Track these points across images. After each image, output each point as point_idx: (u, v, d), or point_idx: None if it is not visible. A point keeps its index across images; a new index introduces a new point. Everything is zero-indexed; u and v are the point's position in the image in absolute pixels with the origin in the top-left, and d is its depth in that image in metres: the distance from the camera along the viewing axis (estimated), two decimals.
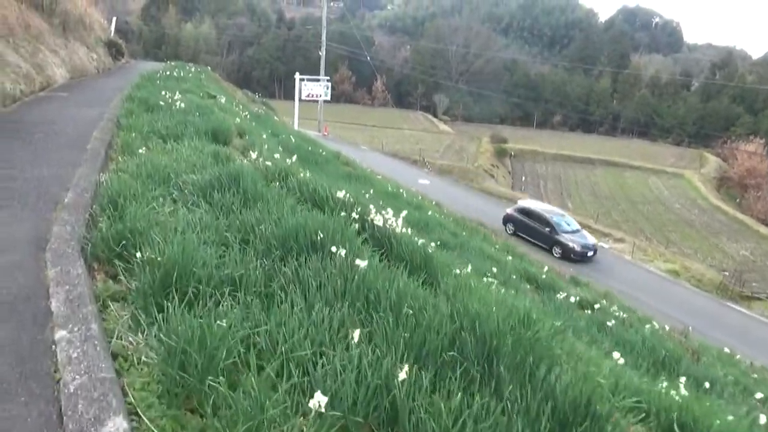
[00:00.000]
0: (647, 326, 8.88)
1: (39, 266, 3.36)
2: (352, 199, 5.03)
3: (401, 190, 14.37)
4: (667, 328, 9.28)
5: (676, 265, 24.23)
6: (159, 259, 3.11)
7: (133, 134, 7.31)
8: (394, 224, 4.71)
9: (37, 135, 7.32)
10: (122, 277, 3.48)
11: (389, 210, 4.84)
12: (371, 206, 4.80)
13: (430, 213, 11.61)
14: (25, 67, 11.76)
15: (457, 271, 4.51)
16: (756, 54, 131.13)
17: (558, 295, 7.15)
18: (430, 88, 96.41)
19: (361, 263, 3.26)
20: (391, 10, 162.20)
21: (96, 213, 4.53)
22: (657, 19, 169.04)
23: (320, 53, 39.95)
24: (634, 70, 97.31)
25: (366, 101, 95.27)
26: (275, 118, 24.40)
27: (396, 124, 67.66)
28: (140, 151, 6.01)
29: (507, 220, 24.45)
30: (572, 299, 7.08)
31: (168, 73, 17.19)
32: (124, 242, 3.67)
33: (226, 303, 3.02)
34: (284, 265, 3.51)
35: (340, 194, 4.91)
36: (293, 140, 16.01)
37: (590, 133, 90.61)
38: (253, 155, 6.54)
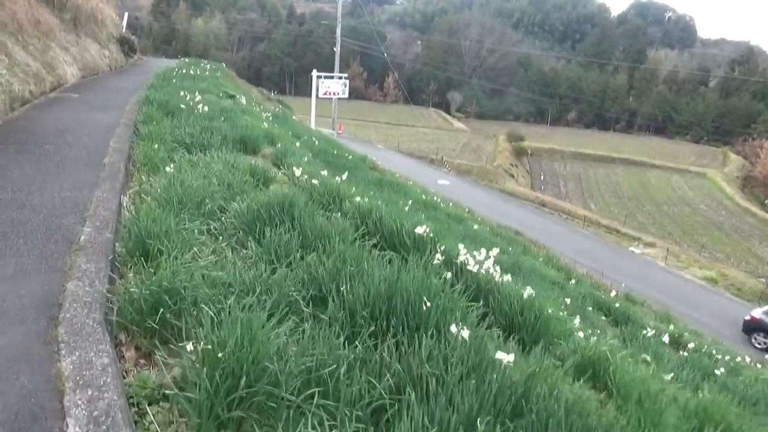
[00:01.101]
0: (726, 357, 7.90)
1: (49, 352, 2.45)
2: (431, 234, 4.08)
3: (437, 198, 13.41)
4: (748, 359, 8.31)
5: (713, 272, 23.08)
6: (220, 354, 2.19)
7: (155, 145, 6.40)
8: (492, 270, 3.77)
9: (48, 146, 6.43)
10: (160, 362, 2.58)
11: (482, 250, 3.89)
12: (461, 246, 3.85)
13: (476, 227, 10.64)
14: (34, 65, 10.91)
15: (581, 335, 3.56)
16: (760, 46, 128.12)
17: (644, 332, 6.18)
18: (442, 85, 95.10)
19: (504, 357, 2.31)
20: (400, 5, 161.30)
21: (120, 256, 3.63)
22: (670, 14, 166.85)
23: (335, 49, 38.87)
24: (652, 65, 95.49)
25: (378, 97, 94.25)
26: (294, 117, 23.48)
27: (409, 122, 66.55)
28: (167, 169, 5.09)
29: (753, 327, 17.29)
30: (665, 337, 6.11)
31: (184, 71, 16.32)
32: (161, 309, 2.76)
33: (317, 418, 2.11)
34: (381, 348, 2.58)
35: (420, 230, 3.96)
36: (316, 143, 15.11)
37: (606, 131, 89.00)
38: (297, 172, 5.61)
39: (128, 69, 20.08)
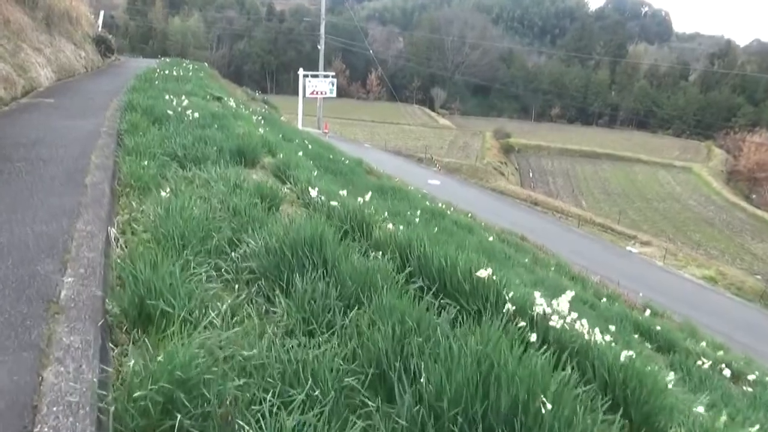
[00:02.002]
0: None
1: None
2: (494, 276, 3.37)
3: (440, 204, 12.70)
4: None
5: (711, 271, 22.77)
6: None
7: (145, 161, 5.59)
8: (580, 325, 3.08)
9: (19, 163, 5.59)
10: None
11: (561, 299, 3.20)
12: (536, 294, 3.15)
13: (491, 239, 9.95)
14: (4, 68, 9.98)
15: (700, 410, 2.88)
16: (742, 43, 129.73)
17: (699, 363, 5.56)
18: (426, 81, 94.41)
19: None
20: (380, 0, 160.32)
21: (113, 317, 2.86)
22: (646, 9, 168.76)
23: (319, 47, 38.01)
24: (633, 59, 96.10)
25: (361, 95, 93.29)
26: (282, 118, 22.60)
27: (394, 119, 65.80)
28: (162, 194, 4.32)
29: None
30: (725, 370, 5.49)
31: (167, 72, 15.40)
32: (177, 414, 2.02)
33: None
34: None
35: (483, 273, 3.25)
36: (309, 146, 14.34)
37: (589, 125, 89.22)
38: (313, 192, 4.87)
39: (106, 70, 19.05)
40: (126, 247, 3.96)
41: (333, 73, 36.98)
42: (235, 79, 70.87)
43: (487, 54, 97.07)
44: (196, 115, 8.31)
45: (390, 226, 4.26)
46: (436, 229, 8.27)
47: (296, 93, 69.77)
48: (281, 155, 7.39)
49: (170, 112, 8.43)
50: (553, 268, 11.21)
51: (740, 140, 60.94)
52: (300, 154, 8.18)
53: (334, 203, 4.79)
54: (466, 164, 38.14)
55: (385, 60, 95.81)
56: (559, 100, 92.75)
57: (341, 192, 5.12)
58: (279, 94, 68.52)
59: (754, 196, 47.72)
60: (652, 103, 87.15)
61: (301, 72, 32.17)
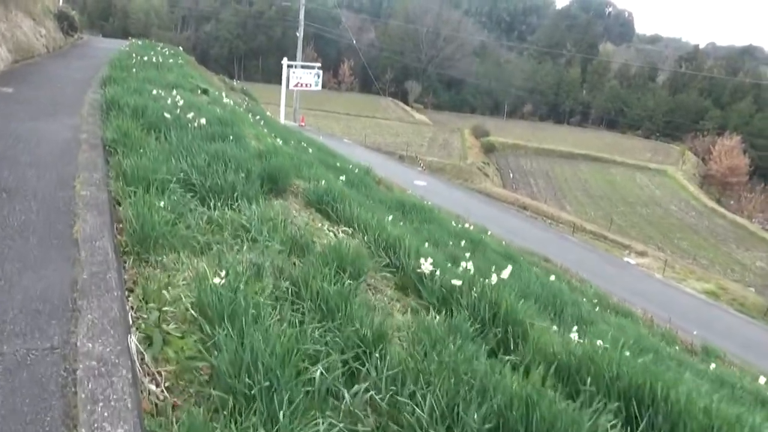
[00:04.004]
0: None
1: None
2: None
3: (468, 225, 11.23)
4: None
5: (711, 285, 22.11)
6: None
7: (159, 201, 3.94)
8: None
9: None
10: None
11: None
12: None
13: (548, 274, 8.55)
14: None
15: None
16: (700, 45, 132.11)
17: None
18: (398, 74, 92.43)
19: None
20: None
21: None
22: (610, 9, 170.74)
23: (297, 33, 35.82)
24: (604, 58, 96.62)
25: (332, 85, 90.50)
26: (268, 113, 20.68)
27: (368, 112, 63.77)
28: (216, 280, 2.72)
29: None
30: None
31: (145, 58, 13.40)
32: None
33: None
34: None
35: None
36: (310, 150, 12.67)
37: (561, 124, 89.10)
38: (426, 266, 3.36)
39: (70, 51, 16.79)
40: (162, 380, 2.36)
41: (318, 65, 34.80)
42: (202, 63, 67.11)
43: (461, 48, 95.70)
44: (203, 121, 6.58)
45: (574, 337, 2.77)
46: (494, 266, 6.83)
47: (266, 81, 66.48)
48: (323, 180, 5.78)
49: (167, 115, 6.68)
50: (595, 301, 9.93)
51: (710, 143, 61.59)
52: (343, 178, 6.56)
53: (456, 282, 3.28)
54: (449, 164, 36.78)
55: (359, 49, 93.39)
56: (531, 97, 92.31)
57: (466, 264, 3.59)
58: (248, 81, 65.52)
59: (732, 201, 48.11)
60: (623, 104, 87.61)
61: (285, 62, 29.90)
